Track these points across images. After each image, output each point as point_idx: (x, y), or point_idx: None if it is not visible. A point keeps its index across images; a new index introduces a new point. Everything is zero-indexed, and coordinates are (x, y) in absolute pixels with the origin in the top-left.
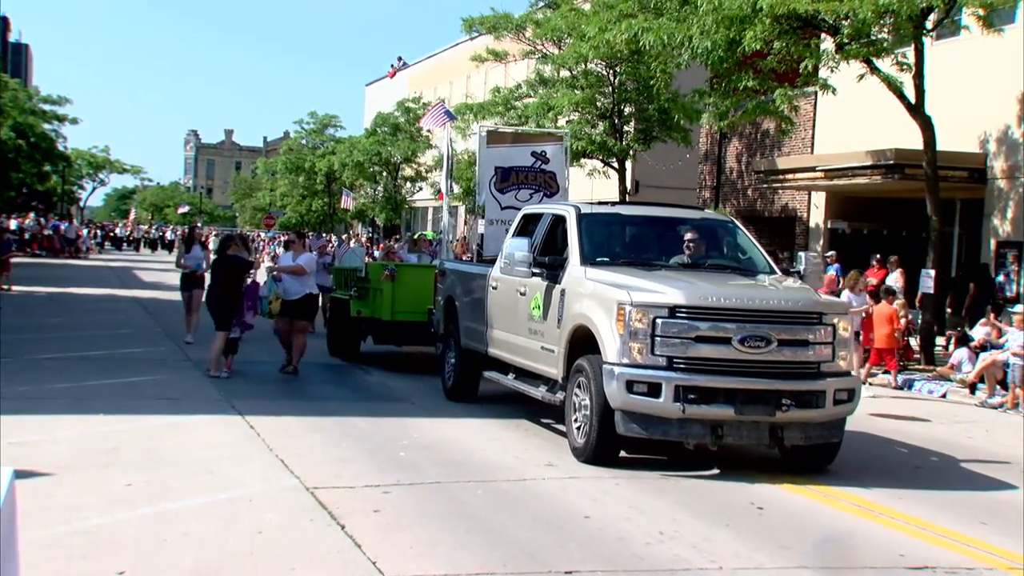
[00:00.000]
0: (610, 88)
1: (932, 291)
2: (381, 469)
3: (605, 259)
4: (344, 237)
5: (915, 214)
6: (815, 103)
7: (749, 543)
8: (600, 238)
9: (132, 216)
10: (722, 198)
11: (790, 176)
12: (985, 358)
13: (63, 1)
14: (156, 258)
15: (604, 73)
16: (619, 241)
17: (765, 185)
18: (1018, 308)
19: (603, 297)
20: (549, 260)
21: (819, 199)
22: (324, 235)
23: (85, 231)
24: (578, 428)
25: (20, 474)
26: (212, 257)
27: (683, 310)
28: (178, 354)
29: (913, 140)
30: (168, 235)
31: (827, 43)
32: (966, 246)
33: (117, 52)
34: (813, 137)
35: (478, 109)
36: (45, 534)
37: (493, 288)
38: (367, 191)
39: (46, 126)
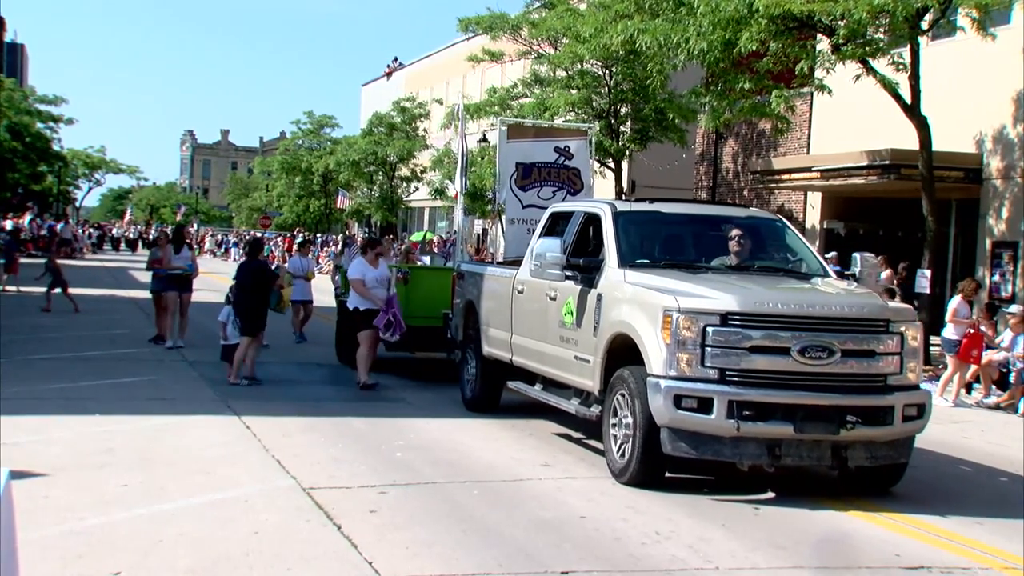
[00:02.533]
0: (606, 88)
1: (928, 291)
2: (377, 469)
3: (645, 261)
4: (354, 237)
5: (911, 214)
6: (811, 104)
7: (746, 543)
8: (639, 238)
9: (128, 217)
10: (718, 199)
11: (786, 177)
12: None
13: (59, 1)
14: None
15: (600, 73)
16: (659, 241)
17: (761, 186)
18: (1014, 308)
19: (646, 303)
20: (583, 262)
21: (815, 200)
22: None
23: (81, 231)
24: (618, 446)
25: (15, 475)
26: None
27: (736, 317)
28: (174, 355)
29: (909, 140)
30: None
31: (823, 44)
32: (961, 246)
33: (113, 52)
34: (809, 138)
35: (474, 109)
36: (40, 535)
37: (519, 292)
38: (363, 191)
39: (41, 126)
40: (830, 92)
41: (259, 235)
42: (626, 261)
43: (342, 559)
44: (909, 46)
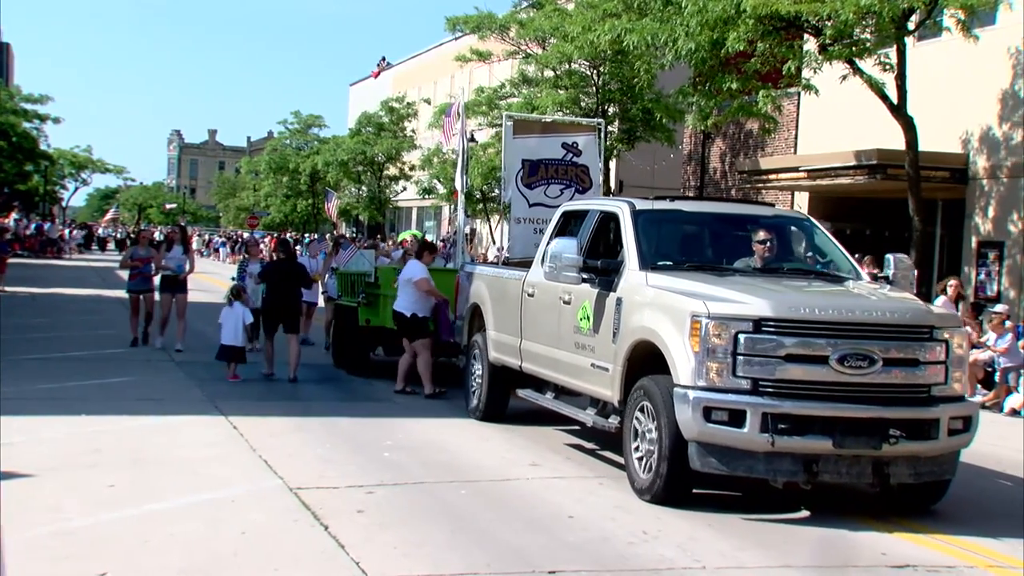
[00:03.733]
0: (594, 88)
1: (914, 291)
2: (365, 469)
3: (667, 263)
4: (351, 237)
5: (897, 214)
6: (798, 104)
7: (734, 543)
8: (660, 238)
9: (109, 215)
10: (705, 199)
11: (773, 176)
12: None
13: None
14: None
15: (588, 73)
16: (682, 242)
17: (748, 185)
18: (999, 308)
19: (672, 308)
20: (601, 264)
21: (802, 199)
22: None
23: (67, 231)
24: (641, 461)
25: (3, 475)
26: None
27: (771, 324)
28: (161, 355)
29: (895, 140)
30: (157, 235)
31: (810, 44)
32: (948, 246)
33: (100, 51)
34: (796, 137)
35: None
36: (28, 535)
37: (529, 295)
38: (351, 191)
39: (27, 125)
40: (817, 92)
41: (286, 237)
42: (647, 263)
43: (330, 559)
44: (895, 46)
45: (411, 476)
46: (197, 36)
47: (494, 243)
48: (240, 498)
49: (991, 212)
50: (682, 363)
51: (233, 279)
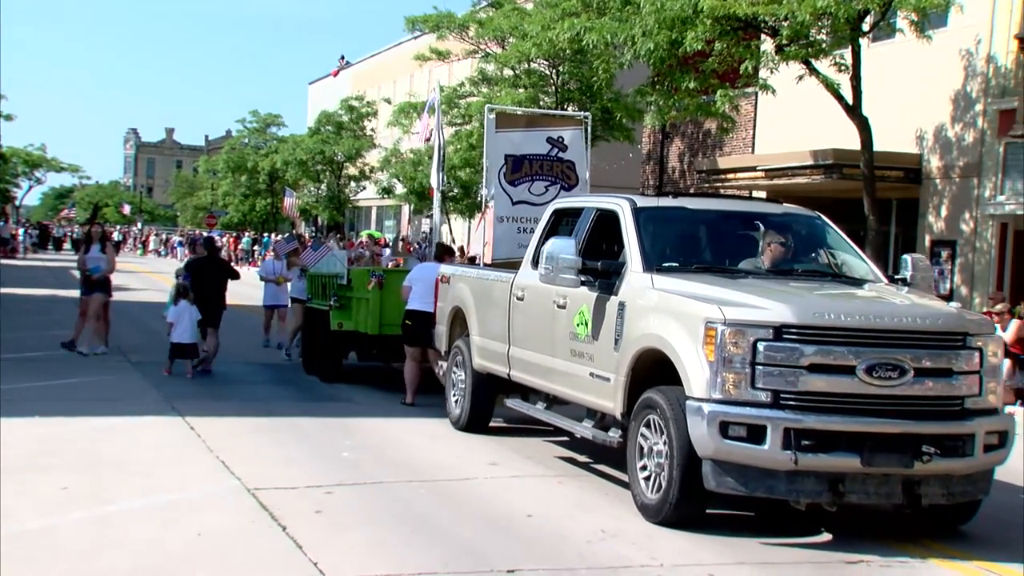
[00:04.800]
0: (553, 87)
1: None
2: (324, 470)
3: (673, 264)
4: (322, 238)
5: (853, 213)
6: (755, 104)
7: (693, 541)
8: (664, 238)
9: (65, 212)
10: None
11: (731, 176)
12: None
13: None
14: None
15: (547, 72)
16: (687, 242)
17: (707, 185)
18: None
19: (682, 313)
20: (602, 266)
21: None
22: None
23: (21, 231)
24: (648, 480)
25: None
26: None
27: (793, 330)
28: (116, 355)
29: (851, 140)
30: (116, 235)
31: (767, 44)
32: (902, 245)
33: (53, 48)
34: (754, 137)
35: (421, 107)
36: None
37: (518, 299)
38: (310, 190)
39: None
40: (774, 92)
41: (212, 235)
42: (652, 264)
43: (287, 560)
44: (850, 48)
45: (370, 476)
46: (154, 33)
47: (454, 242)
48: (196, 499)
49: (944, 211)
50: (695, 374)
51: (177, 277)
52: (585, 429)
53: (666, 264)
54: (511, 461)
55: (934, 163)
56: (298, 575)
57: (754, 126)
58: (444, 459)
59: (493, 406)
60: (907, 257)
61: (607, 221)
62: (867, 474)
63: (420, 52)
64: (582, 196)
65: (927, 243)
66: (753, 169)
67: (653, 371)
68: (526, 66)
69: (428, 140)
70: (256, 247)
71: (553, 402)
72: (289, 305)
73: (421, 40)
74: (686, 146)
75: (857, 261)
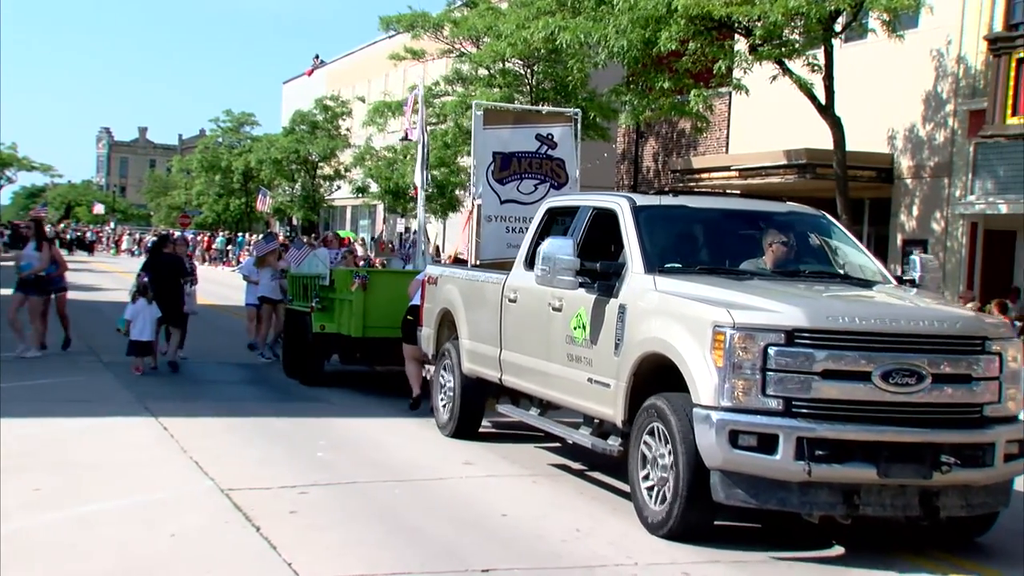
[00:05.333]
0: (528, 87)
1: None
2: (298, 470)
3: (676, 265)
4: (304, 238)
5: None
6: (729, 103)
7: (668, 541)
8: (666, 238)
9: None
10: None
11: (705, 175)
12: None
13: None
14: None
15: (522, 72)
16: (689, 242)
17: (681, 184)
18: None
19: (688, 316)
20: (601, 267)
21: None
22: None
23: None
24: (652, 491)
25: None
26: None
27: (805, 335)
28: (89, 356)
29: (824, 140)
30: (89, 235)
31: (740, 44)
32: (874, 244)
33: (25, 47)
34: (728, 137)
35: (396, 107)
36: None
37: (510, 300)
38: (285, 189)
39: None
40: (748, 92)
41: (164, 233)
42: (654, 265)
43: (261, 561)
44: (823, 48)
45: (345, 476)
46: (127, 32)
47: (428, 241)
48: (170, 500)
49: (915, 211)
50: (703, 380)
51: (139, 275)
52: (583, 437)
53: (668, 265)
54: (486, 461)
55: (905, 163)
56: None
57: (728, 126)
58: (419, 459)
59: (483, 411)
60: (915, 257)
61: (604, 220)
62: (883, 485)
63: (395, 52)
64: (577, 195)
65: (899, 242)
66: (727, 169)
67: (656, 377)
68: (501, 66)
69: (407, 138)
70: (230, 247)
71: (547, 408)
72: (261, 306)
73: (396, 40)
74: (660, 146)
75: (865, 261)
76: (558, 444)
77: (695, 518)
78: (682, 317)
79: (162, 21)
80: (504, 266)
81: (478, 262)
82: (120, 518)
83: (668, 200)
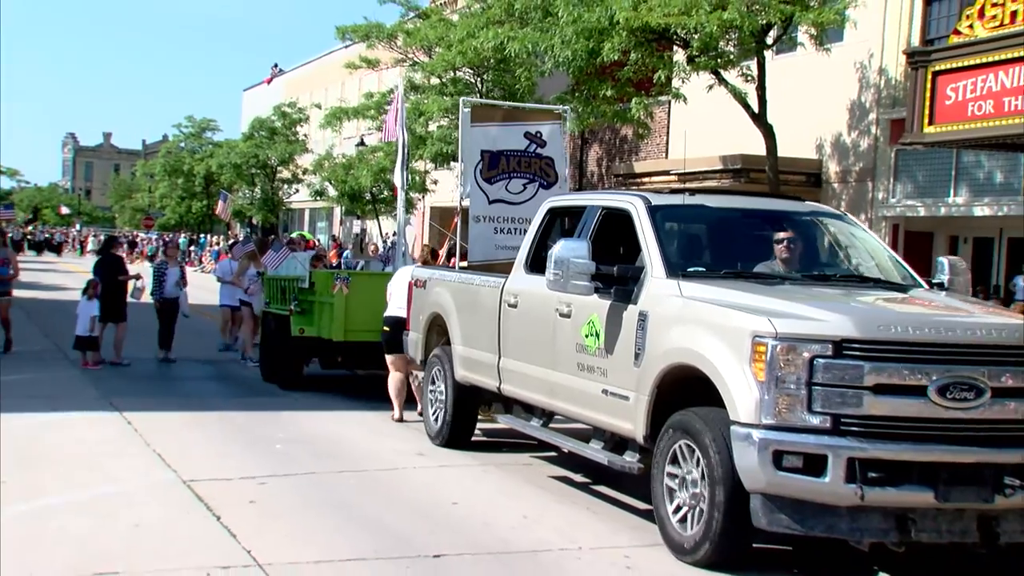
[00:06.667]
0: (478, 94)
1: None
2: (258, 462)
3: (699, 268)
4: (284, 239)
5: None
6: (669, 111)
7: (610, 526)
8: (685, 240)
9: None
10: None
11: (646, 179)
12: None
13: None
14: (41, 260)
15: (472, 80)
16: (710, 243)
17: (624, 188)
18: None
19: (723, 326)
20: (618, 271)
21: None
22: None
23: None
24: (679, 514)
25: None
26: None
27: (855, 346)
28: (55, 353)
29: (757, 146)
30: (57, 237)
31: (679, 55)
32: None
33: None
34: (667, 143)
35: (352, 112)
36: None
37: (510, 305)
38: (245, 192)
39: None
40: (686, 100)
41: (111, 235)
42: (676, 269)
43: (222, 549)
44: (756, 59)
45: (302, 467)
46: (92, 40)
47: (385, 243)
48: (134, 492)
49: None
50: (741, 395)
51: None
52: (597, 453)
53: (691, 269)
54: (439, 453)
55: (833, 168)
56: (233, 562)
57: (668, 132)
58: (374, 451)
59: (476, 420)
60: (943, 260)
61: (615, 221)
62: (939, 509)
63: (350, 61)
64: (582, 194)
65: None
66: (667, 173)
67: (681, 389)
68: (452, 74)
69: (362, 144)
70: (192, 247)
71: (550, 418)
72: (241, 308)
73: (352, 49)
74: (604, 151)
75: (892, 264)
76: (552, 452)
77: (732, 545)
78: (715, 326)
79: (127, 30)
80: (492, 268)
81: (465, 264)
82: (83, 510)
83: (685, 199)
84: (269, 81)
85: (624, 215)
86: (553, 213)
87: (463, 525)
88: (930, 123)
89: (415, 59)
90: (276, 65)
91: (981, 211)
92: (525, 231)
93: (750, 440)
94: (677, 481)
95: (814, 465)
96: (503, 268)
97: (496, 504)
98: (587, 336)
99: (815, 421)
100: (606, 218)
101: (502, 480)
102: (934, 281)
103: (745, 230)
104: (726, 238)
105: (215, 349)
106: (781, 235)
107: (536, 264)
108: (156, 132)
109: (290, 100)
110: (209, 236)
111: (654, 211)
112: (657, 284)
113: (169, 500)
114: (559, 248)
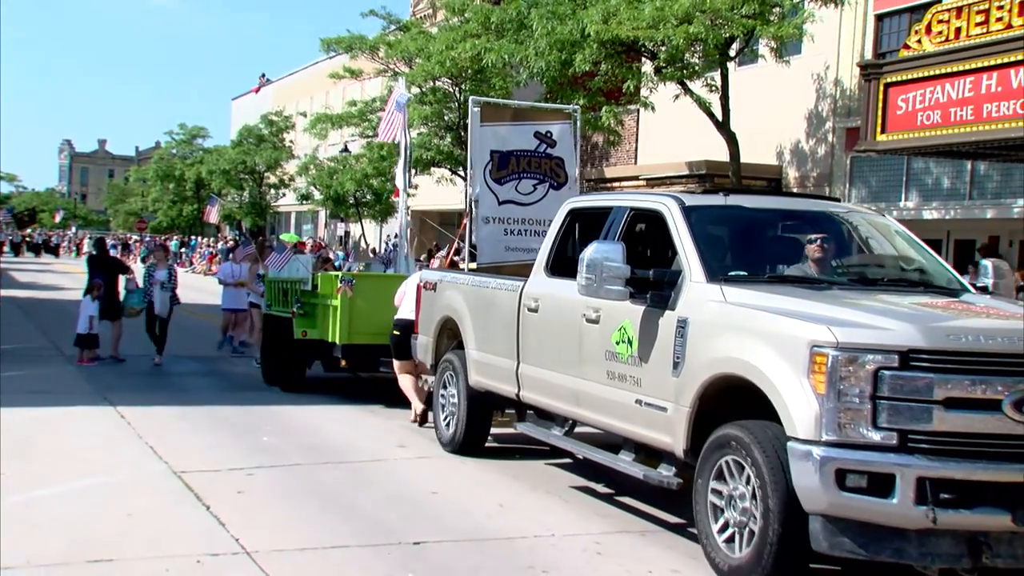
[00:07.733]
0: (456, 104)
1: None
2: (246, 454)
3: (740, 273)
4: (286, 241)
5: None
6: (638, 119)
7: (581, 514)
8: (724, 243)
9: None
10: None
11: (616, 184)
12: None
13: None
14: (39, 261)
15: (450, 90)
16: (750, 246)
17: (595, 192)
18: None
19: (775, 333)
20: (655, 275)
21: None
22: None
23: None
24: (725, 534)
25: None
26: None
27: (924, 356)
28: (51, 350)
29: (721, 152)
30: (54, 240)
31: (647, 66)
32: None
33: None
34: (636, 149)
35: (336, 119)
36: None
37: (530, 310)
38: (234, 197)
39: None
40: (654, 109)
41: (99, 236)
42: (716, 274)
43: (211, 537)
44: (720, 70)
45: (288, 459)
46: (88, 48)
47: (367, 245)
48: (126, 483)
49: None
50: (799, 409)
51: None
52: (631, 466)
53: (733, 273)
54: (418, 444)
55: (792, 173)
56: (221, 550)
57: (636, 139)
58: (358, 443)
59: (490, 426)
60: (987, 263)
61: (645, 223)
62: (1014, 533)
63: (334, 71)
64: (607, 195)
65: None
66: (636, 178)
67: (725, 401)
68: (431, 84)
69: (346, 150)
70: (183, 249)
71: (573, 426)
72: (249, 309)
73: (336, 60)
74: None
75: (937, 267)
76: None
77: (788, 570)
78: (767, 334)
79: (123, 39)
80: (501, 270)
81: (475, 266)
82: (78, 500)
83: (721, 200)
84: (257, 90)
85: (654, 216)
86: (574, 215)
87: (442, 513)
88: (882, 132)
89: (396, 70)
90: (264, 75)
91: (930, 214)
92: (536, 232)
93: (810, 458)
94: (723, 499)
95: (880, 485)
96: (512, 270)
97: (473, 493)
98: (618, 343)
99: (879, 437)
100: (635, 220)
101: (478, 471)
102: (978, 285)
103: (785, 231)
104: (763, 240)
105: (213, 348)
106: (813, 235)
107: (557, 267)
108: (149, 139)
109: (277, 108)
110: (200, 239)
111: (689, 212)
112: (698, 289)
113: (160, 491)
114: (591, 251)
